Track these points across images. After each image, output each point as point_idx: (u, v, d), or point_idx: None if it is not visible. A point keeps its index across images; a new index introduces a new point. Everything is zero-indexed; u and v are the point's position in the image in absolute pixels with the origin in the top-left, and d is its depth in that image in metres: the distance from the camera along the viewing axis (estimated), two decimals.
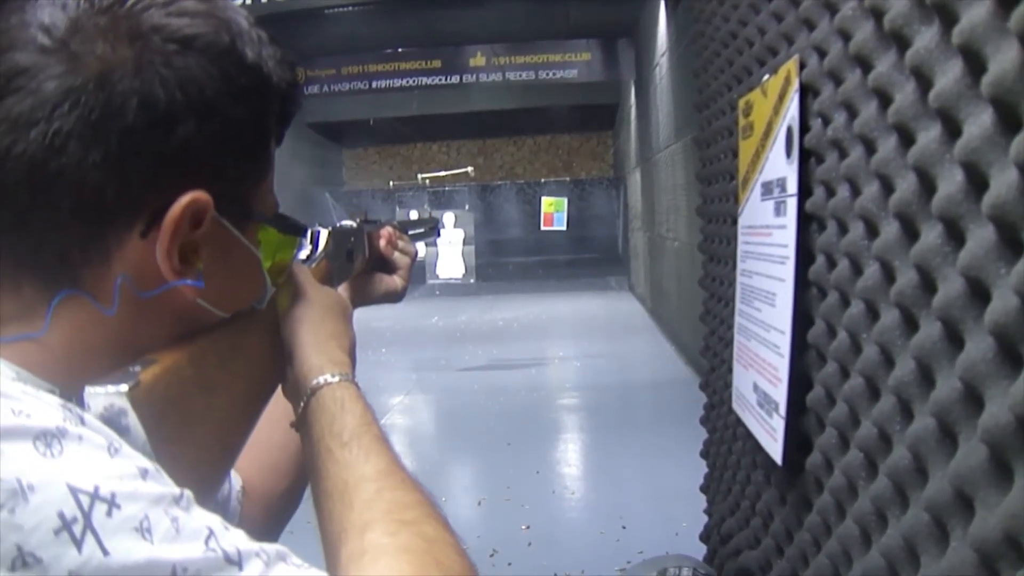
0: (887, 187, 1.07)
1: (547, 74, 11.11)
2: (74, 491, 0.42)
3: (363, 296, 0.95)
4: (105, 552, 0.42)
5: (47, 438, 0.44)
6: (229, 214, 0.59)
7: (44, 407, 0.46)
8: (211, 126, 0.55)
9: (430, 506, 0.59)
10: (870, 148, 1.13)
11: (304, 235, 0.68)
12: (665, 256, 9.07)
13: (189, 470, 0.57)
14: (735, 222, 1.87)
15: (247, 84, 0.57)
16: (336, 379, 0.66)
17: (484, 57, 11.05)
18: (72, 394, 0.53)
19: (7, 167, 0.50)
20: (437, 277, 13.76)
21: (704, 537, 2.42)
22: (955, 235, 0.90)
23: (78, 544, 0.41)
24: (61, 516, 0.41)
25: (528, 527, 3.87)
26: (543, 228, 15.64)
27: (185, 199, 0.54)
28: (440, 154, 18.09)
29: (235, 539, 0.47)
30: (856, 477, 1.19)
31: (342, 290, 0.91)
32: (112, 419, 0.52)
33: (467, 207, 15.59)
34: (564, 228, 15.43)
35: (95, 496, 0.43)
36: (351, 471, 0.59)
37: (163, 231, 0.54)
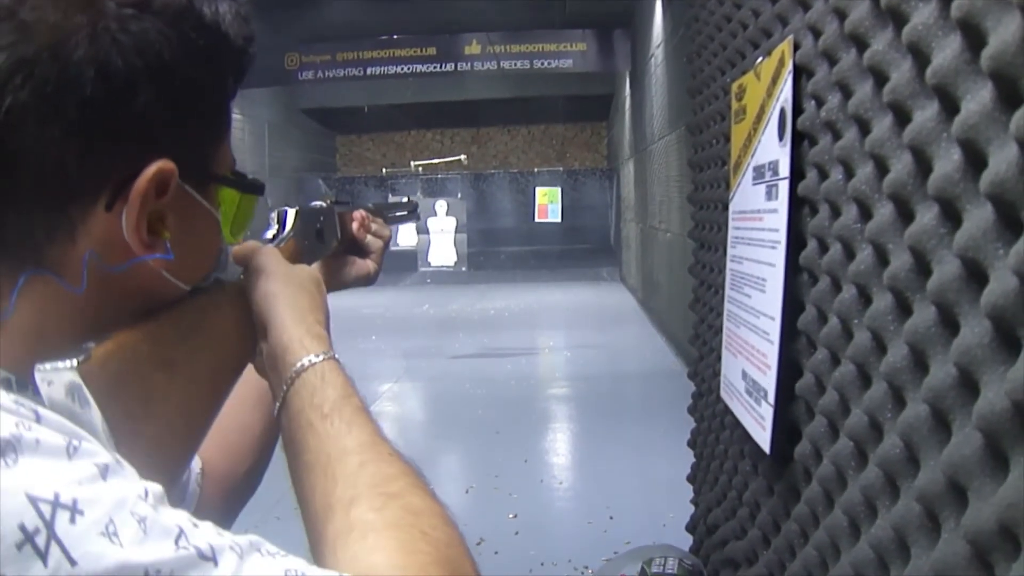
0: (881, 168, 1.04)
1: (542, 63, 11.08)
2: (34, 500, 0.40)
3: (336, 279, 0.94)
4: (72, 562, 0.40)
5: (1, 448, 0.42)
6: (191, 178, 0.58)
7: None
8: (171, 91, 0.54)
9: (414, 476, 0.58)
10: (864, 128, 1.10)
11: (262, 193, 0.66)
12: (657, 247, 9.06)
13: (151, 449, 0.56)
14: (726, 208, 1.84)
15: (205, 44, 0.56)
16: (320, 358, 0.64)
17: (479, 45, 11.01)
18: (28, 380, 0.51)
19: None
20: (429, 265, 13.72)
21: (690, 528, 2.41)
22: (951, 215, 0.87)
23: (43, 556, 0.40)
24: (23, 528, 0.39)
25: (515, 516, 3.87)
26: (537, 220, 15.65)
27: (152, 169, 0.53)
28: (434, 142, 18.07)
29: (205, 534, 0.45)
30: (846, 466, 1.16)
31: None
32: (75, 392, 0.51)
33: (460, 195, 15.56)
34: (559, 220, 15.44)
35: (56, 504, 0.41)
36: (333, 444, 0.58)
37: (130, 203, 0.53)
